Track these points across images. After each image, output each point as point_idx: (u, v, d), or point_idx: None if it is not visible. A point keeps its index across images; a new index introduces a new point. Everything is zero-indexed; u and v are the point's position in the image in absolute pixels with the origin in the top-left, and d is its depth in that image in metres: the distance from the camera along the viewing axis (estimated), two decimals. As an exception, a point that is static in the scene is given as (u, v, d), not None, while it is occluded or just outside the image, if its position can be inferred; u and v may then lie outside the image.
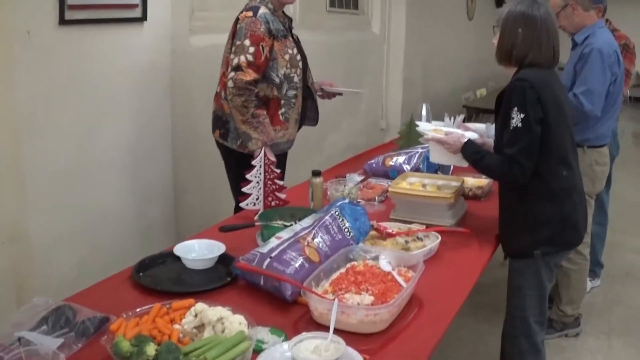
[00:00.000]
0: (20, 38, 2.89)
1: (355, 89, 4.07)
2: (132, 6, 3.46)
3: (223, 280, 2.27)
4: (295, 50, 3.37)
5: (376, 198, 3.08)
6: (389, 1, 6.85)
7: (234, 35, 3.28)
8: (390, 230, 2.51)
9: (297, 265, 2.10)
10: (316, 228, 2.23)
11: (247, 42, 3.19)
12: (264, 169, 2.82)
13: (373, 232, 2.52)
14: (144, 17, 3.55)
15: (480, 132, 3.95)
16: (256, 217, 2.72)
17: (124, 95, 3.50)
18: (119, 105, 3.47)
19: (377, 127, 7.04)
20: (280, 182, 2.90)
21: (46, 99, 3.04)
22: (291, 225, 2.55)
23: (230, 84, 3.18)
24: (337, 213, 2.28)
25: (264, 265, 2.13)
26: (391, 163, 3.45)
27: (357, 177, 3.27)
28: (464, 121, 4.28)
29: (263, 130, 3.19)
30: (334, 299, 1.90)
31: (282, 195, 2.91)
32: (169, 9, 3.76)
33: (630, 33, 4.80)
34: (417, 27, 7.20)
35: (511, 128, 2.47)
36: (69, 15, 3.08)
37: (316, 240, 2.20)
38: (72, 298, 2.14)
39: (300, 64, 3.39)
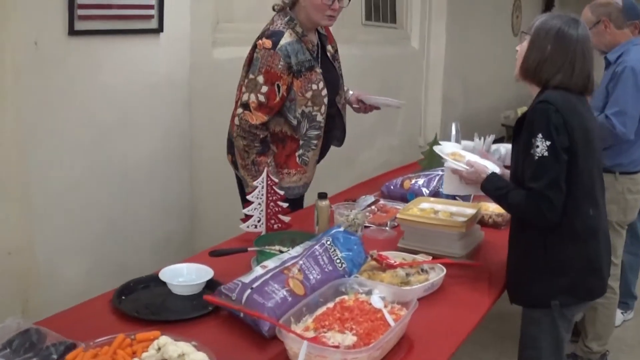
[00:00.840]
0: (27, 49, 2.83)
1: (396, 100, 3.84)
2: (147, 17, 3.37)
3: (207, 308, 2.13)
4: (321, 85, 3.02)
5: (388, 223, 2.91)
6: (429, 15, 6.67)
7: (250, 62, 3.00)
8: (391, 261, 2.34)
9: (278, 298, 1.95)
10: (303, 258, 2.08)
11: (260, 79, 2.89)
12: (267, 190, 2.68)
13: (373, 263, 2.35)
14: (160, 29, 3.46)
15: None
16: (255, 242, 2.58)
17: (138, 109, 3.42)
18: (131, 119, 3.38)
19: (415, 144, 6.85)
20: (284, 205, 2.75)
21: (53, 110, 2.97)
22: (288, 251, 2.41)
23: (236, 121, 2.96)
24: (328, 242, 2.12)
25: (244, 297, 1.99)
26: (410, 185, 3.27)
27: (369, 199, 3.11)
28: (496, 141, 4.12)
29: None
30: (308, 339, 1.74)
31: (286, 218, 2.77)
32: (187, 20, 3.66)
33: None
34: (458, 42, 7.00)
35: (536, 158, 2.19)
36: (79, 25, 3.00)
37: (303, 271, 2.04)
38: (46, 321, 2.05)
39: (325, 99, 3.06)
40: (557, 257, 2.31)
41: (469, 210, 2.73)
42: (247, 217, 2.72)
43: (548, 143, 2.18)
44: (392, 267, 2.31)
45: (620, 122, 3.30)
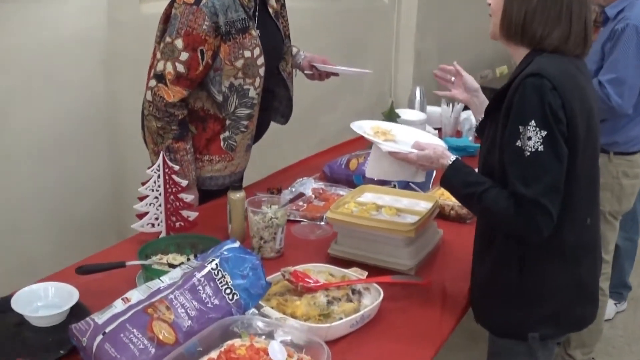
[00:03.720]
0: None
1: (359, 69, 3.19)
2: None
3: (65, 346, 1.59)
4: (257, 51, 2.38)
5: (323, 216, 2.32)
6: (399, -37, 6.02)
7: (167, 19, 2.36)
8: (310, 281, 1.76)
9: (136, 350, 1.39)
10: (177, 291, 1.50)
11: (179, 44, 2.26)
12: (164, 180, 2.10)
13: (285, 283, 1.77)
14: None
15: None
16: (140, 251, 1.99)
17: (43, 74, 2.84)
18: (34, 87, 2.81)
19: (385, 105, 6.24)
20: (188, 198, 2.17)
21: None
22: (181, 264, 1.84)
23: (148, 96, 2.33)
24: (214, 266, 1.53)
25: (95, 344, 1.43)
26: (357, 166, 2.68)
27: (307, 184, 2.53)
28: (467, 107, 3.55)
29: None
30: None
31: (192, 215, 2.19)
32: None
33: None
34: (433, -7, 6.36)
35: (528, 154, 1.60)
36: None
37: (174, 309, 1.47)
38: None
39: (261, 70, 2.42)
40: (537, 279, 1.74)
41: (422, 204, 2.15)
42: (142, 215, 2.14)
43: (544, 133, 1.60)
44: (310, 290, 1.74)
45: (617, 92, 2.73)
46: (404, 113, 3.24)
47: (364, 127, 2.04)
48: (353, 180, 2.65)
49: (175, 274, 1.57)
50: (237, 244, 1.59)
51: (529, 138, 1.60)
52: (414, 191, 2.40)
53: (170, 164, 2.09)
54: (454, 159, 1.80)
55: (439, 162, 1.80)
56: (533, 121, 1.60)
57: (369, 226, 1.99)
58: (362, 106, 5.88)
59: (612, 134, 2.85)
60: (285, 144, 3.37)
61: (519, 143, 1.62)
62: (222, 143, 2.47)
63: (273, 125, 2.87)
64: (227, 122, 2.45)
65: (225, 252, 1.56)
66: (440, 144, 1.92)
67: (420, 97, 3.59)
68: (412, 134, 2.06)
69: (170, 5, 2.36)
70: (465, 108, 3.49)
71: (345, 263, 1.97)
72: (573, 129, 1.63)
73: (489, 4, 1.80)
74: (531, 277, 1.74)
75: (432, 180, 2.61)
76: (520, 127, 1.61)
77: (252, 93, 2.44)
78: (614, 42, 2.79)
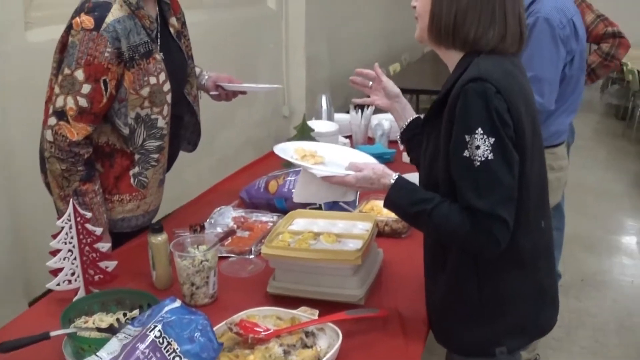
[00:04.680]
0: None
1: (269, 85, 2.94)
2: None
3: None
4: (162, 76, 2.19)
5: (252, 249, 2.16)
6: (283, -30, 5.93)
7: (63, 48, 2.12)
8: (260, 330, 1.59)
9: None
10: (120, 368, 1.31)
11: (79, 75, 2.04)
12: (77, 230, 1.88)
13: (232, 336, 1.60)
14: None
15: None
16: (63, 316, 1.77)
17: None
18: None
19: (279, 114, 6.14)
20: (104, 247, 1.96)
21: None
22: (111, 327, 1.64)
23: (49, 136, 2.07)
24: (157, 334, 1.35)
25: None
26: (277, 188, 2.52)
27: (226, 214, 2.36)
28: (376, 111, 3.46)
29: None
30: None
31: (110, 265, 1.97)
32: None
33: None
34: (319, -3, 6.30)
35: (478, 164, 1.51)
36: None
37: (119, 391, 1.28)
38: None
39: (168, 97, 2.23)
40: (497, 291, 1.66)
41: (360, 225, 2.03)
42: (56, 271, 1.91)
43: (492, 140, 1.50)
44: (261, 341, 1.57)
45: (536, 90, 2.66)
46: (315, 125, 3.10)
47: (288, 151, 1.89)
48: (275, 203, 2.50)
49: (113, 347, 1.37)
50: (178, 304, 1.41)
51: (477, 147, 1.51)
52: (344, 211, 2.28)
53: (82, 211, 1.88)
54: (396, 177, 1.68)
55: (379, 182, 1.68)
56: (480, 129, 1.51)
57: (312, 259, 1.83)
58: (258, 118, 5.79)
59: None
60: (184, 168, 3.18)
61: (466, 153, 1.52)
62: (132, 180, 2.26)
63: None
64: (136, 156, 2.24)
65: (167, 315, 1.37)
66: (376, 162, 1.80)
67: (327, 106, 3.46)
68: (339, 153, 1.94)
69: (67, 33, 2.12)
70: (375, 112, 3.42)
71: (288, 300, 1.82)
72: (520, 132, 1.56)
73: (414, 7, 1.69)
74: (491, 290, 1.66)
75: (358, 195, 2.49)
76: (466, 136, 1.52)
77: (161, 123, 2.25)
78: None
